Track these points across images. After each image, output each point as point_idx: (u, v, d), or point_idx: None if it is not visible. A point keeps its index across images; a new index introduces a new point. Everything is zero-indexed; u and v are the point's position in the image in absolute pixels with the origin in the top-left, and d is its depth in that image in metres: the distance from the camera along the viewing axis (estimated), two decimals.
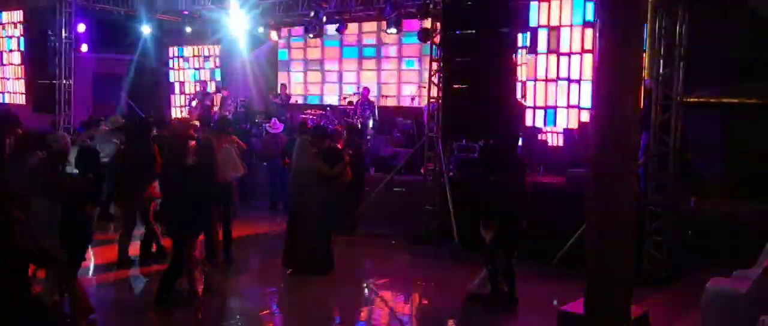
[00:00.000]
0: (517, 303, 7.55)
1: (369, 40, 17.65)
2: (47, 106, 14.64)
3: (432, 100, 10.98)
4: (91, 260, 8.73)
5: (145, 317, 7.29)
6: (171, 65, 19.03)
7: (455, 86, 10.48)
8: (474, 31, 10.06)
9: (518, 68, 11.11)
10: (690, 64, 8.63)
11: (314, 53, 18.67)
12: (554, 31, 10.12)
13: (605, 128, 6.34)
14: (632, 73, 6.41)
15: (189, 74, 18.85)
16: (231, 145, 9.13)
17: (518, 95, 10.73)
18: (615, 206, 6.28)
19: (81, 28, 15.36)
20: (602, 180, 6.36)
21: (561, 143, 11.18)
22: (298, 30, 17.92)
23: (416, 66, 16.84)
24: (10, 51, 16.55)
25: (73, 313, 6.08)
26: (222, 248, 8.83)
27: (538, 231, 8.51)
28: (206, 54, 18.47)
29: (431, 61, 11.09)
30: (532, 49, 9.93)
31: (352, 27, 16.64)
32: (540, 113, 10.45)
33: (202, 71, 18.51)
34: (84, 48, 16.00)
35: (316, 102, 18.44)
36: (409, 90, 16.86)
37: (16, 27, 16.30)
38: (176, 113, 18.36)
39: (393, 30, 13.75)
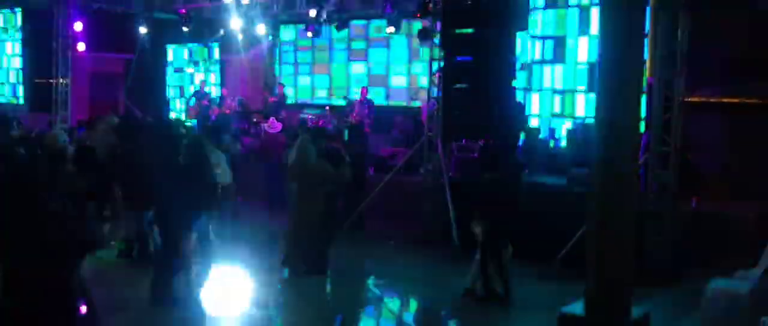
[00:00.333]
0: (510, 303, 7.54)
1: (372, 37, 17.57)
2: (44, 105, 14.61)
3: (432, 100, 10.95)
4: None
5: (143, 316, 7.26)
6: (169, 64, 19.01)
7: (455, 86, 10.47)
8: (474, 31, 10.05)
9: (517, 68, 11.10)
10: (691, 63, 8.61)
11: (316, 52, 18.61)
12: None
13: (606, 128, 6.33)
14: (633, 73, 6.40)
15: (187, 73, 18.83)
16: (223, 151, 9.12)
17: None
18: (616, 206, 6.27)
19: (78, 26, 15.30)
20: (603, 181, 6.35)
21: (562, 143, 11.14)
22: (298, 27, 17.88)
23: (415, 66, 16.79)
24: (8, 51, 16.56)
25: None
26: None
27: (539, 231, 8.51)
28: (205, 53, 18.46)
29: (431, 60, 11.06)
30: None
31: (351, 25, 16.58)
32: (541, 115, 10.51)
33: (200, 70, 18.50)
34: (81, 47, 15.94)
35: (314, 101, 18.40)
36: (406, 90, 16.82)
37: (13, 26, 16.30)
38: (175, 112, 18.35)
39: (392, 28, 13.74)
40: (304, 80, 18.84)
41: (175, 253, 7.18)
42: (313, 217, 8.48)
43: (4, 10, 17.24)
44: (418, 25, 12.81)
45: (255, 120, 16.52)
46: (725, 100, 10.06)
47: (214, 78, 18.30)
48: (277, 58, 19.18)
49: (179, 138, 8.74)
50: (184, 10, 16.71)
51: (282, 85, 17.92)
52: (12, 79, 17.56)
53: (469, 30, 10.12)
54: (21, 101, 17.35)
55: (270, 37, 17.44)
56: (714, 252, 8.28)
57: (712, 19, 9.50)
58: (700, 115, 9.83)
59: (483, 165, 9.35)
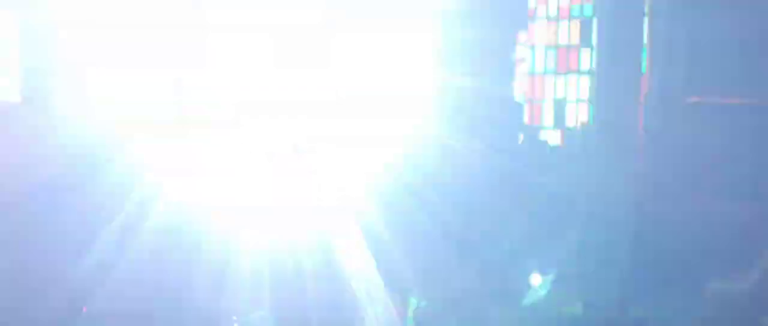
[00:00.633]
0: None
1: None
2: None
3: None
4: None
5: None
6: None
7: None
8: (473, 31, 10.01)
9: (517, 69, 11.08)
10: (691, 64, 8.62)
11: None
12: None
13: (605, 129, 6.36)
14: (632, 74, 6.43)
15: None
16: None
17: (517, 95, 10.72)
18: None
19: None
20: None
21: (561, 143, 11.12)
22: None
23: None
24: (5, 50, 16.43)
25: None
26: None
27: None
28: None
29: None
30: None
31: None
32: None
33: None
34: None
35: None
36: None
37: (11, 26, 16.17)
38: None
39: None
40: None
41: None
42: None
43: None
44: None
45: None
46: (725, 101, 10.06)
47: None
48: None
49: None
50: None
51: None
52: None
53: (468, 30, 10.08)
54: None
55: None
56: (712, 253, 8.31)
57: (712, 19, 9.50)
58: (700, 115, 9.84)
59: None
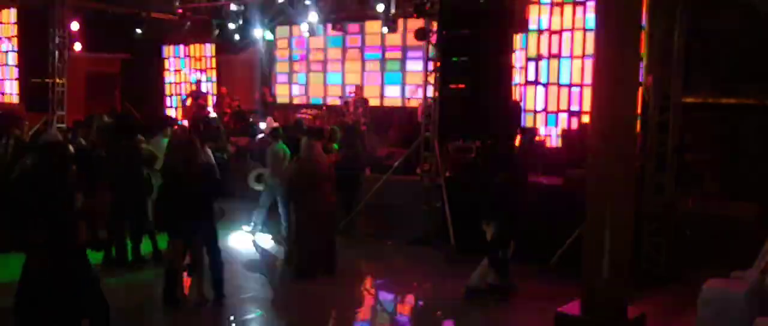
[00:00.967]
0: (517, 289, 7.80)
1: (368, 38, 17.52)
2: (40, 105, 14.54)
3: (429, 100, 10.94)
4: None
5: (151, 319, 7.31)
6: (165, 65, 18.94)
7: (452, 86, 10.45)
8: (471, 31, 10.03)
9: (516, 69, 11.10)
10: (688, 64, 8.62)
11: (311, 52, 18.56)
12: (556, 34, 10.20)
13: (603, 129, 6.33)
14: (630, 73, 6.41)
15: (183, 73, 18.77)
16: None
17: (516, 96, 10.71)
18: (612, 207, 6.28)
19: (74, 26, 15.26)
20: (600, 182, 6.35)
21: (559, 144, 11.13)
22: (293, 28, 17.82)
23: (412, 65, 16.76)
24: (5, 50, 16.48)
25: None
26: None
27: (536, 231, 8.53)
28: (200, 53, 18.41)
29: (427, 60, 11.04)
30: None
31: (346, 24, 16.52)
32: (540, 115, 10.49)
33: (196, 70, 18.45)
34: (77, 47, 15.90)
35: (310, 101, 18.34)
36: (403, 89, 16.79)
37: (9, 26, 16.22)
38: (170, 112, 18.29)
39: (387, 29, 13.72)
40: (300, 80, 18.79)
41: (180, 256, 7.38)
42: (324, 218, 8.53)
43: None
44: (414, 24, 12.79)
45: (251, 120, 16.49)
46: (723, 101, 10.07)
47: (209, 79, 18.26)
48: (272, 58, 19.12)
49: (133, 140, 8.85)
50: (180, 10, 16.67)
51: (268, 88, 17.96)
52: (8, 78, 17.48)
53: (467, 30, 10.09)
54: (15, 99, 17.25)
55: (265, 38, 17.39)
56: (711, 253, 8.29)
57: (710, 19, 9.50)
58: (699, 116, 9.84)
59: (485, 165, 9.43)
